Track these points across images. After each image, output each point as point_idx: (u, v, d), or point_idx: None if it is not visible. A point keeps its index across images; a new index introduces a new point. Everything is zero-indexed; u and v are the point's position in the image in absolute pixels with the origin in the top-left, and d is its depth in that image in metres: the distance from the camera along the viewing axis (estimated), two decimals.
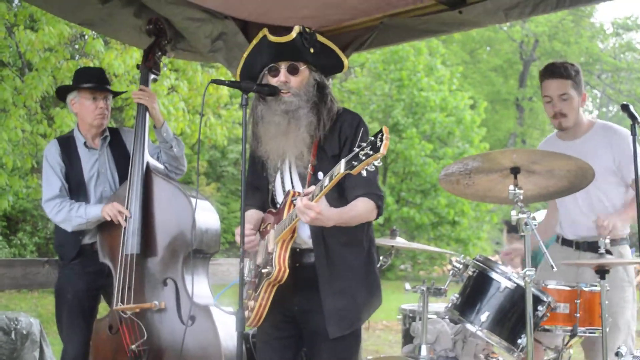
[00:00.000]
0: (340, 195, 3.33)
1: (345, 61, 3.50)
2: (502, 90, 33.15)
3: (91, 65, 9.72)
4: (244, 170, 3.24)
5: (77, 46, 11.91)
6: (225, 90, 11.27)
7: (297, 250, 3.39)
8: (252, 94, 3.41)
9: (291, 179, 3.46)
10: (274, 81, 3.39)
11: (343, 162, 2.83)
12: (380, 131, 2.73)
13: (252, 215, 3.55)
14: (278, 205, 3.47)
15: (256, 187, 3.64)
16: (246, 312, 3.32)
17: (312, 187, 3.08)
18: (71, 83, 4.80)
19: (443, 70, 24.71)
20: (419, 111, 23.39)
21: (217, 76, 11.30)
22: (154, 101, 4.65)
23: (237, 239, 3.34)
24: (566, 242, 4.38)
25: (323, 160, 3.36)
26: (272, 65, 3.41)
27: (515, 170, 3.49)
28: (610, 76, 34.17)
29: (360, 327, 3.50)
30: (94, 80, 4.69)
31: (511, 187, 3.43)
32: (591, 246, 4.20)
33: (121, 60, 9.72)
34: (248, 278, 3.45)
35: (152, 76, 4.74)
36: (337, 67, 3.53)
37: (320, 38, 3.43)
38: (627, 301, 4.14)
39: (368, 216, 3.34)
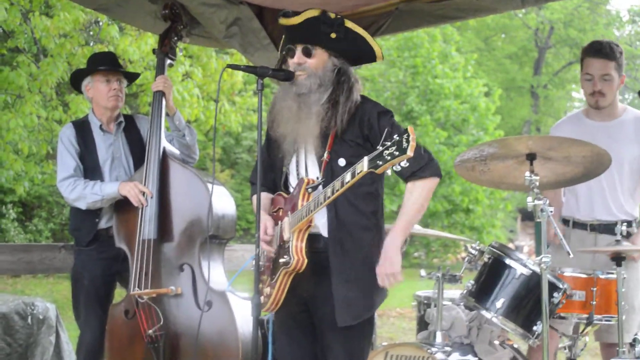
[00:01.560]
0: (363, 187, 3.32)
1: (378, 50, 3.40)
2: (517, 77, 32.95)
3: (106, 50, 9.75)
4: (260, 158, 3.23)
5: (92, 32, 11.92)
6: (239, 76, 11.26)
7: (311, 234, 3.37)
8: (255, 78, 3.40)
9: (306, 164, 3.45)
10: (290, 62, 3.38)
11: (366, 159, 2.81)
12: (406, 131, 2.70)
13: (262, 200, 3.53)
14: (291, 190, 3.45)
15: (269, 167, 3.62)
16: (262, 298, 3.33)
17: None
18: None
19: (457, 57, 24.59)
20: (433, 98, 23.30)
21: (231, 62, 11.28)
22: (171, 89, 4.67)
23: (264, 246, 3.40)
24: (578, 225, 4.35)
25: (343, 147, 3.34)
26: (289, 46, 3.41)
27: (531, 157, 3.47)
28: (626, 64, 33.87)
29: (372, 316, 3.50)
30: (106, 63, 4.71)
31: (527, 173, 3.42)
32: (607, 228, 4.18)
33: (136, 46, 9.73)
34: (261, 263, 3.44)
35: (169, 61, 4.74)
36: (367, 55, 3.45)
37: (348, 24, 3.34)
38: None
39: (428, 195, 3.32)
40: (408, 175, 3.25)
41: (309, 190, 3.24)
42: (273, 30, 5.43)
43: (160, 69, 4.68)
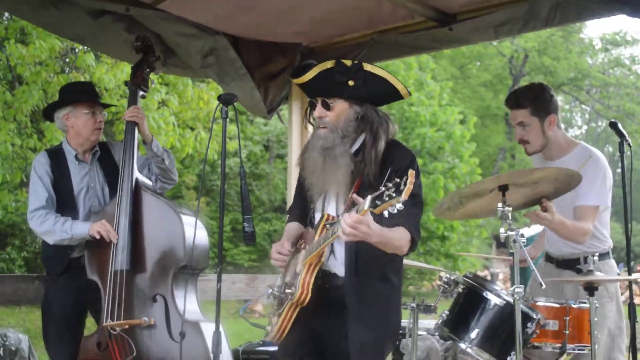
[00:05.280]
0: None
1: (402, 89, 3.28)
2: (492, 105, 33.24)
3: (82, 79, 9.73)
4: (223, 185, 3.21)
5: (68, 60, 11.91)
6: (215, 104, 11.26)
7: (329, 272, 3.35)
8: (238, 106, 3.34)
9: (331, 203, 3.40)
10: (314, 115, 3.34)
11: (369, 198, 2.77)
12: (406, 174, 2.70)
13: (293, 228, 3.54)
14: (315, 226, 3.43)
15: (301, 201, 3.60)
16: (268, 327, 3.35)
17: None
18: (59, 98, 4.78)
19: (433, 85, 24.79)
20: (409, 126, 23.43)
21: (207, 90, 11.30)
22: (144, 118, 4.65)
23: (274, 254, 3.38)
24: (549, 259, 4.38)
25: (369, 189, 3.19)
26: (310, 100, 3.37)
27: (503, 188, 3.50)
28: (599, 91, 34.33)
29: None
30: (88, 93, 4.69)
31: (499, 204, 3.45)
32: (569, 264, 4.20)
33: (112, 74, 9.73)
34: (277, 292, 3.42)
35: (141, 93, 4.73)
36: (391, 95, 3.33)
37: (367, 67, 3.23)
38: (606, 317, 4.13)
39: (402, 245, 3.21)
40: (404, 222, 3.18)
41: (327, 226, 3.22)
42: (249, 60, 5.47)
43: (132, 101, 4.67)
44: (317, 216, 3.44)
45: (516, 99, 4.24)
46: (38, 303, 5.66)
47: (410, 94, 3.33)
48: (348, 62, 3.21)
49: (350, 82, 3.19)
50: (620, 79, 33.66)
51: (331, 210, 3.37)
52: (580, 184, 3.75)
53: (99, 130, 4.65)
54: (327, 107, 3.26)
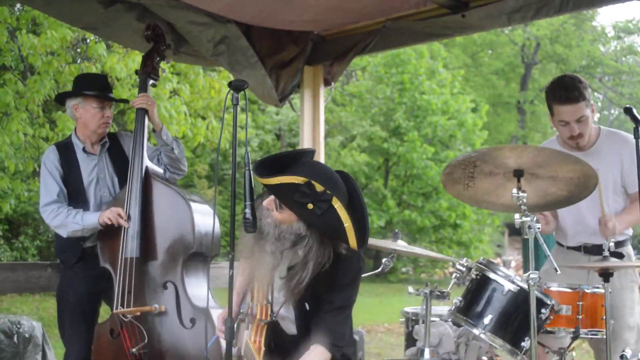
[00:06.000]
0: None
1: (353, 243, 3.05)
2: (504, 93, 33.17)
3: (93, 69, 9.76)
4: (234, 174, 3.17)
5: (79, 50, 11.94)
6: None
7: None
8: (249, 95, 3.24)
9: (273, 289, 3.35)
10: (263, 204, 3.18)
11: None
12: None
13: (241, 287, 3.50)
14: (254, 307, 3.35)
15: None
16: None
17: None
18: (72, 87, 4.79)
19: (445, 73, 24.76)
20: (420, 114, 23.42)
21: (218, 79, 11.32)
22: (154, 106, 4.66)
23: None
24: (572, 248, 4.35)
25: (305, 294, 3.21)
26: (265, 190, 3.19)
27: (518, 173, 3.48)
28: (612, 79, 34.18)
29: None
30: (100, 87, 4.69)
31: (514, 190, 3.43)
32: (598, 249, 4.19)
33: (123, 64, 9.76)
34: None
35: (151, 81, 4.72)
36: (341, 238, 3.07)
37: (336, 204, 2.98)
38: (634, 301, 4.13)
39: None
40: (323, 340, 3.17)
41: (261, 323, 3.23)
42: (261, 49, 5.46)
43: (143, 90, 4.66)
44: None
45: (579, 92, 3.99)
46: (51, 291, 5.71)
47: (359, 248, 3.08)
48: (320, 188, 2.97)
49: (310, 206, 2.97)
50: (632, 66, 33.52)
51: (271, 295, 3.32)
52: (629, 169, 3.88)
53: (107, 124, 4.65)
54: (278, 207, 3.09)
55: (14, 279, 5.97)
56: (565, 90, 4.03)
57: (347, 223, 3.01)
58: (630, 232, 4.26)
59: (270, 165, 3.10)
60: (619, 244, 4.14)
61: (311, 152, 3.30)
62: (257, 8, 5.23)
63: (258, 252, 3.16)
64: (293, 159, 3.16)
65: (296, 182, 2.97)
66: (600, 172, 3.61)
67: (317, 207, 2.97)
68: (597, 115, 37.71)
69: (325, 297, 3.22)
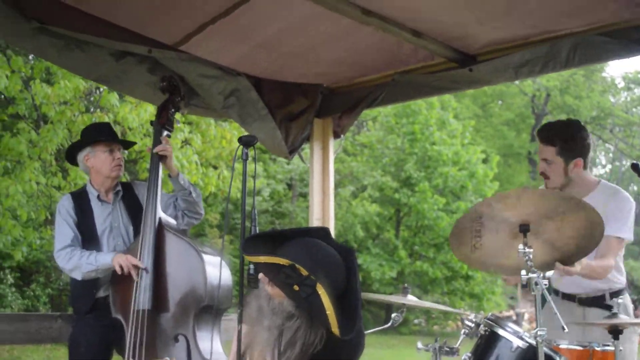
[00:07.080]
0: None
1: (335, 330, 2.95)
2: (515, 144, 33.22)
3: (106, 118, 9.86)
4: (243, 226, 3.17)
5: (92, 99, 12.08)
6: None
7: None
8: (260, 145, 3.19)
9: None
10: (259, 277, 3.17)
11: None
12: None
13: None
14: None
15: None
16: None
17: None
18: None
19: (455, 124, 24.87)
20: (431, 165, 23.47)
21: (230, 130, 11.40)
22: (172, 154, 4.72)
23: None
24: (567, 297, 4.33)
25: None
26: (257, 271, 3.18)
27: (524, 228, 3.47)
28: (622, 130, 34.20)
29: None
30: (105, 134, 4.75)
31: (520, 246, 3.41)
32: (596, 302, 4.16)
33: (135, 113, 9.85)
34: None
35: (166, 132, 4.77)
36: (322, 323, 2.99)
37: (320, 290, 2.93)
38: (634, 351, 4.08)
39: None
40: None
41: None
42: (270, 100, 5.51)
43: (157, 141, 4.72)
44: None
45: (548, 135, 4.19)
46: (62, 341, 5.69)
47: (342, 336, 2.97)
48: (304, 272, 2.93)
49: (296, 287, 2.94)
50: None
51: None
52: (608, 216, 3.69)
53: (119, 167, 4.69)
54: (270, 282, 3.06)
55: (25, 329, 5.97)
56: (547, 128, 4.28)
57: (330, 311, 2.93)
58: (623, 282, 4.21)
59: (262, 241, 3.11)
60: (614, 294, 4.11)
61: (317, 231, 3.25)
62: (267, 61, 5.29)
63: (257, 325, 3.12)
64: (286, 238, 3.13)
65: (280, 263, 2.95)
66: None
67: (302, 290, 2.94)
68: (609, 166, 37.65)
69: None
